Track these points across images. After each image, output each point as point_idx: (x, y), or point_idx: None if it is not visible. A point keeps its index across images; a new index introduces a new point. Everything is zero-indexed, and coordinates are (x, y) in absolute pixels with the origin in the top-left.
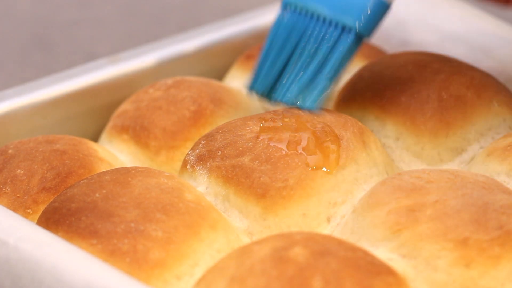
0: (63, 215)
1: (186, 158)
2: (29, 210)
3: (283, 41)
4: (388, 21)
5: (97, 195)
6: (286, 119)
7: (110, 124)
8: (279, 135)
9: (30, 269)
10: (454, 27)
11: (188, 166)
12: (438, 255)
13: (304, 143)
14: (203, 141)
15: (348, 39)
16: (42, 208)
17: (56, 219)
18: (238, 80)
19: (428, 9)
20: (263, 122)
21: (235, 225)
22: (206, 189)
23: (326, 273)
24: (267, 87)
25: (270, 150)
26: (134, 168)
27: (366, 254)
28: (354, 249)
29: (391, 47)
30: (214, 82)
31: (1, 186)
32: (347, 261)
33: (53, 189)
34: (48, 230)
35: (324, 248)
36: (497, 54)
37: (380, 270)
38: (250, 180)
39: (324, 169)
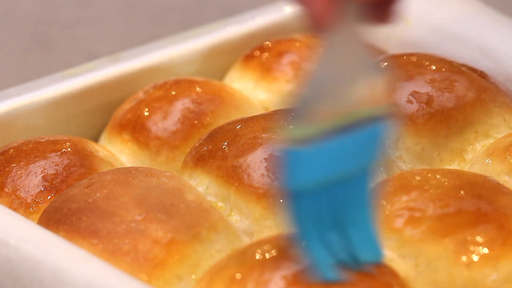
0: (64, 215)
1: (187, 158)
2: (29, 210)
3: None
4: None
5: (98, 195)
6: (287, 120)
7: (110, 124)
8: (280, 135)
9: (31, 269)
10: (453, 27)
11: (189, 166)
12: (439, 256)
13: None
14: (204, 141)
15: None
16: (42, 208)
17: (57, 219)
18: (238, 80)
19: (427, 9)
20: (263, 122)
21: (236, 225)
22: (207, 189)
23: None
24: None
25: (271, 150)
26: (135, 168)
27: None
28: None
29: (390, 47)
30: (215, 82)
31: (2, 186)
32: None
33: (54, 189)
34: (49, 230)
35: None
36: (495, 54)
37: (380, 271)
38: (251, 180)
39: None
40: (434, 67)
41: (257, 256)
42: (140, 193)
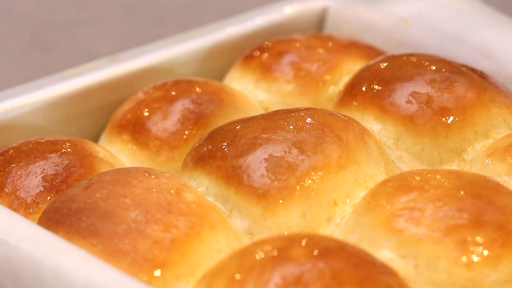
0: (64, 215)
1: (187, 158)
2: (29, 210)
3: None
4: (387, 22)
5: (97, 195)
6: (287, 120)
7: (110, 124)
8: (280, 136)
9: (31, 268)
10: (453, 27)
11: (189, 166)
12: (438, 256)
13: (304, 143)
14: (203, 141)
15: None
16: (42, 208)
17: (57, 219)
18: (238, 80)
19: (427, 9)
20: (263, 123)
21: (236, 225)
22: (207, 189)
23: (327, 274)
24: None
25: (271, 150)
26: (135, 169)
27: (366, 255)
28: (354, 249)
29: (390, 47)
30: (214, 82)
31: (2, 186)
32: (347, 261)
33: (54, 189)
34: (49, 230)
35: (325, 249)
36: (495, 54)
37: (380, 271)
38: (251, 181)
39: (325, 169)
40: (434, 68)
41: (257, 256)
42: (140, 194)
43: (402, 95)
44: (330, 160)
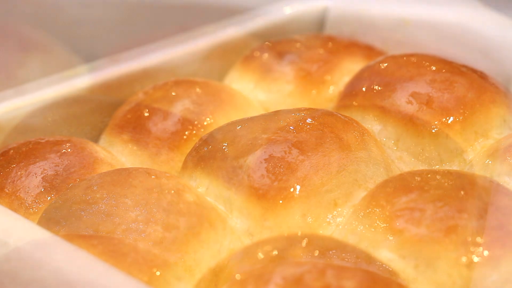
0: (64, 215)
1: (187, 158)
2: (30, 211)
3: None
4: (388, 22)
5: (98, 195)
6: (287, 120)
7: (110, 124)
8: (280, 136)
9: (31, 269)
10: (453, 27)
11: (189, 167)
12: (439, 256)
13: (304, 144)
14: (204, 141)
15: None
16: (43, 208)
17: (57, 219)
18: (238, 81)
19: (426, 9)
20: (263, 123)
21: (236, 226)
22: (207, 189)
23: (327, 275)
24: None
25: (271, 151)
26: (135, 169)
27: (366, 255)
28: (354, 250)
29: (390, 48)
30: (215, 83)
31: (2, 187)
32: (348, 262)
33: (54, 190)
34: (49, 230)
35: (325, 250)
36: (495, 55)
37: (381, 272)
38: (251, 181)
39: (325, 169)
40: (434, 68)
41: (258, 257)
42: (140, 194)
43: (402, 95)
44: (330, 160)
